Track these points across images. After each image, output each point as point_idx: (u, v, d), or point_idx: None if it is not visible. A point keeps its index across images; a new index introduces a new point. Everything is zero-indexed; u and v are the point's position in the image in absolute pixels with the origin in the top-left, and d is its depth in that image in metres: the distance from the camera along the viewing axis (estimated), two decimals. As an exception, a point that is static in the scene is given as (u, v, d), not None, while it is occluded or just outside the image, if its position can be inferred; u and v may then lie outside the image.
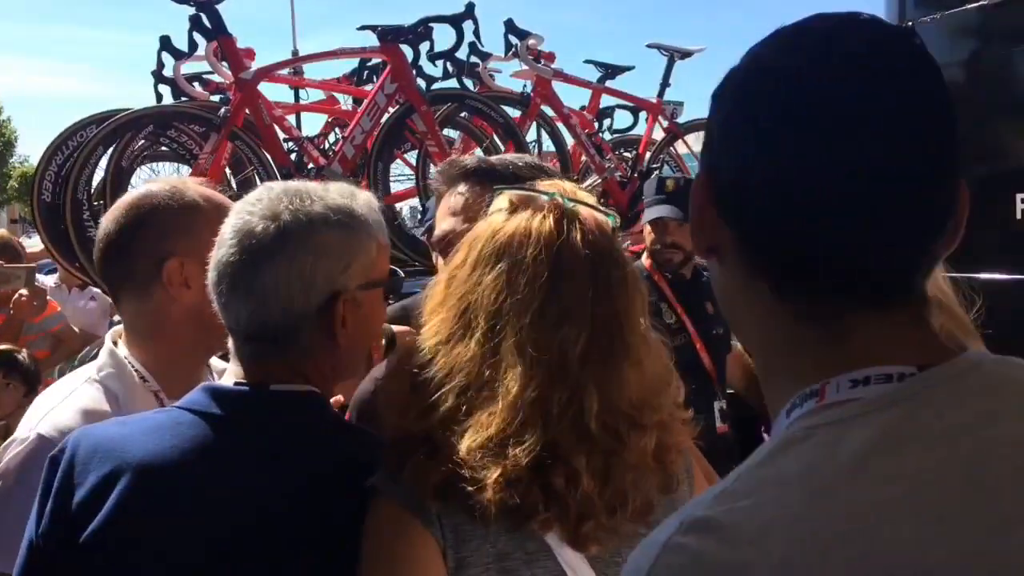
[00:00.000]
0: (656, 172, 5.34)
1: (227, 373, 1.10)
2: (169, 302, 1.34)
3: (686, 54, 5.61)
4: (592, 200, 1.07)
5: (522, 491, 0.91)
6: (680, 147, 5.79)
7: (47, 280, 4.12)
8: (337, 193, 1.09)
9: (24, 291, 3.34)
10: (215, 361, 1.50)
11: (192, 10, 4.15)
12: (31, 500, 1.16)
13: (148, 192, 1.38)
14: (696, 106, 5.82)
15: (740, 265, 0.65)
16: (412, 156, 5.08)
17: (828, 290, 0.62)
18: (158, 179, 1.45)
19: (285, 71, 4.82)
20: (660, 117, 5.56)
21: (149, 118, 4.08)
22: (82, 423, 1.27)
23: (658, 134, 5.64)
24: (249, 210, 1.06)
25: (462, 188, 1.52)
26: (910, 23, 3.17)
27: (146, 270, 1.34)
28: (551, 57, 5.36)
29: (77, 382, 1.39)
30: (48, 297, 3.75)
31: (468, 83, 5.04)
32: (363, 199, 1.11)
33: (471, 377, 0.95)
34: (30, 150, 31.80)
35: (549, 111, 5.21)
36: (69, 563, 1.01)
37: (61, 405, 1.34)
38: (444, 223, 1.51)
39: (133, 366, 1.38)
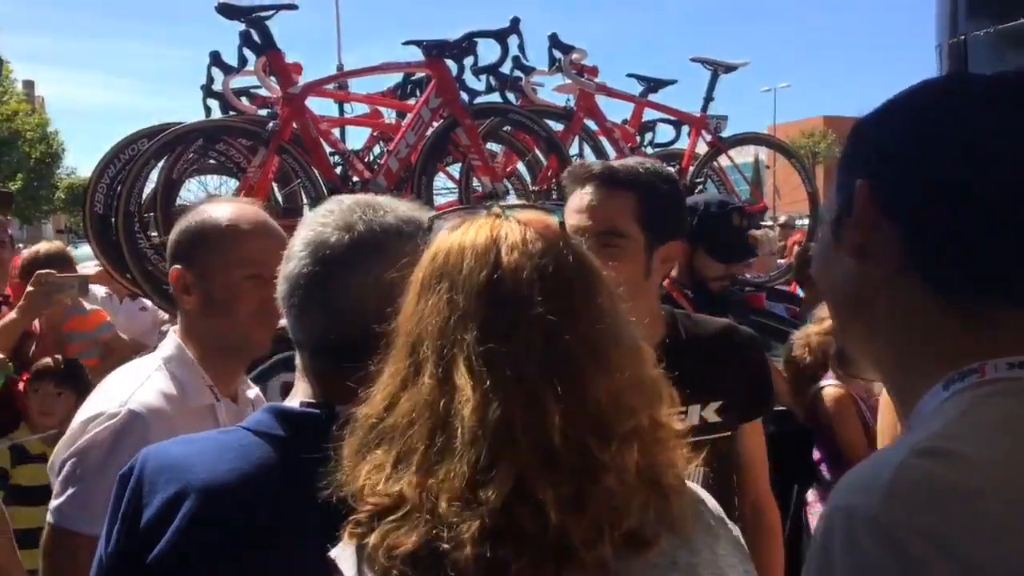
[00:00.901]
0: (700, 186, 5.32)
1: (294, 391, 1.10)
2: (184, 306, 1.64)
3: (730, 68, 5.59)
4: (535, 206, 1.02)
5: (494, 540, 0.83)
6: (723, 161, 5.75)
7: (98, 290, 4.19)
8: (407, 206, 1.10)
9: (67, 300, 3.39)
10: None
11: (242, 25, 4.22)
12: (120, 465, 1.29)
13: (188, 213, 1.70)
14: (738, 121, 5.79)
15: (894, 259, 0.77)
16: (454, 169, 5.10)
17: (991, 289, 0.74)
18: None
19: (330, 85, 4.88)
20: (704, 131, 5.53)
21: (199, 132, 4.15)
22: (162, 403, 1.55)
23: (701, 148, 5.61)
24: (322, 221, 1.07)
25: (588, 189, 1.75)
26: (962, 37, 3.13)
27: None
28: (594, 71, 5.36)
29: (150, 368, 1.63)
30: (99, 307, 3.83)
31: (511, 97, 5.06)
32: (431, 212, 1.11)
33: (434, 417, 0.87)
34: (77, 162, 32.56)
35: (592, 125, 5.21)
36: None
37: (143, 386, 1.57)
38: (571, 219, 1.73)
39: (191, 358, 1.63)
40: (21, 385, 3.31)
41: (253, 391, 1.86)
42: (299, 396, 1.08)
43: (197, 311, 1.65)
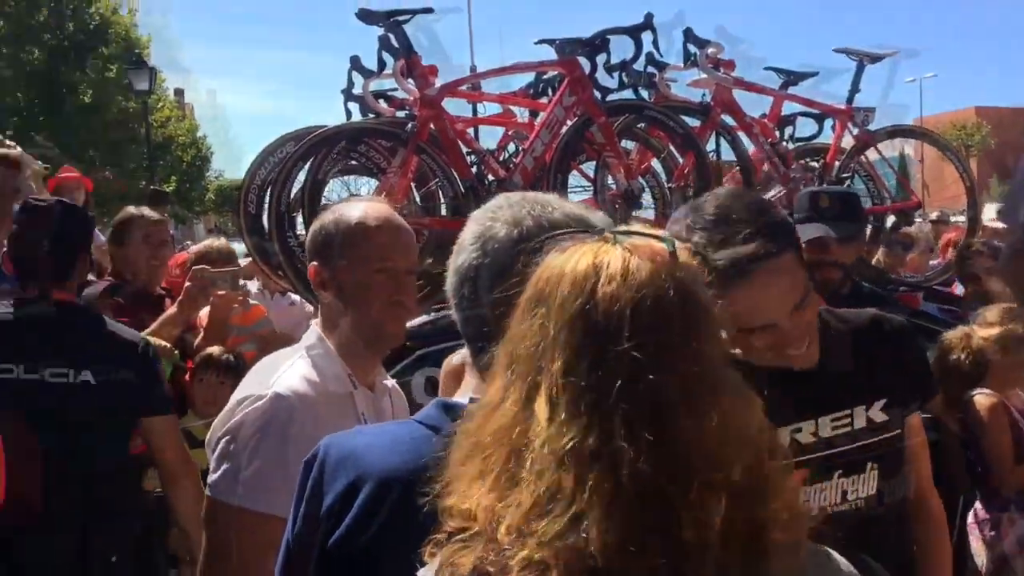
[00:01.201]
0: (847, 181, 5.11)
1: (464, 386, 1.12)
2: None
3: (876, 58, 5.33)
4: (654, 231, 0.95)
5: (539, 572, 0.80)
6: (871, 155, 5.50)
7: (251, 286, 4.42)
8: (575, 205, 1.11)
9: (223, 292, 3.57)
10: None
11: (381, 30, 4.35)
12: (272, 447, 1.59)
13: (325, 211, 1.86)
14: (881, 113, 5.52)
15: None
16: (589, 167, 5.09)
17: None
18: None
19: (465, 86, 4.96)
20: (850, 124, 5.30)
21: (342, 134, 4.31)
22: (305, 387, 1.67)
23: (847, 142, 5.38)
24: (491, 216, 1.09)
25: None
26: None
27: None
28: (731, 65, 5.23)
29: (294, 356, 1.76)
30: (256, 302, 4.03)
31: (644, 94, 5.01)
32: (600, 214, 1.12)
33: (512, 442, 0.87)
34: (223, 165, 34.30)
35: (729, 120, 5.09)
36: (318, 568, 1.05)
37: (288, 372, 1.70)
38: None
39: (331, 348, 1.76)
40: (187, 375, 3.53)
41: (390, 381, 1.97)
42: (468, 391, 1.10)
43: (334, 305, 1.76)
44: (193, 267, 3.65)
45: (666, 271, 0.88)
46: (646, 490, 0.81)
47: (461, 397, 1.11)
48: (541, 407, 0.85)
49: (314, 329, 1.82)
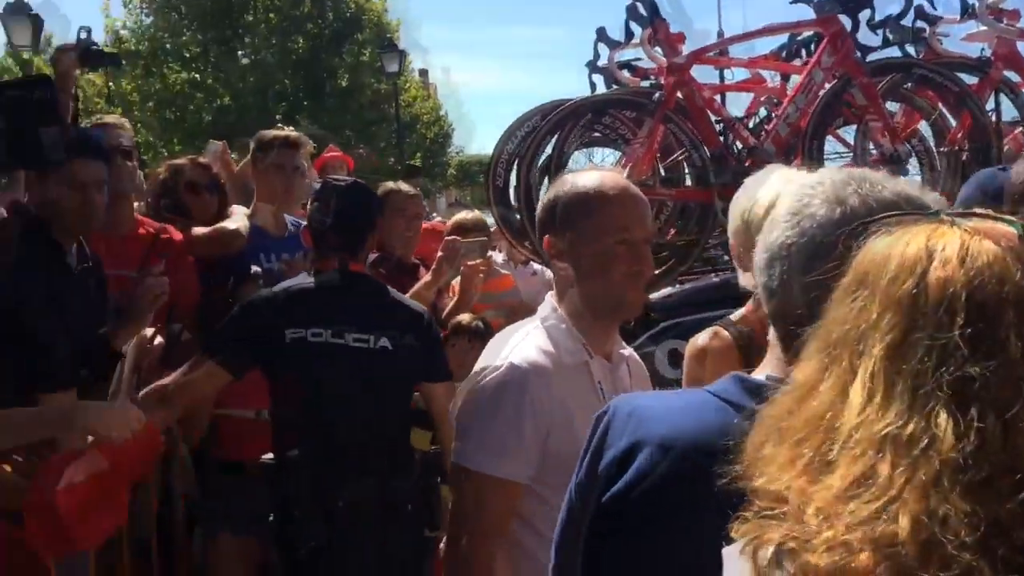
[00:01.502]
0: None
1: (764, 362, 1.08)
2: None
3: None
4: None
5: (844, 549, 0.76)
6: None
7: (497, 256, 4.57)
8: (906, 183, 1.02)
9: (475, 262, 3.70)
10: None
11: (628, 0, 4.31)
12: (507, 415, 1.66)
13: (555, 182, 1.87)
14: None
15: None
16: (846, 132, 4.77)
17: None
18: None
19: (712, 52, 4.80)
20: None
21: (588, 106, 4.32)
22: (540, 357, 1.72)
23: None
24: (809, 192, 1.03)
25: None
26: None
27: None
28: (1015, 15, 4.68)
29: (530, 327, 1.81)
30: (506, 272, 4.17)
31: (911, 51, 4.60)
32: (933, 195, 1.03)
33: (826, 426, 0.83)
34: (463, 141, 35.73)
35: (1013, 76, 4.56)
36: (593, 522, 1.07)
37: (523, 343, 1.75)
38: None
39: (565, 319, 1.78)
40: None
41: (627, 350, 1.96)
42: (767, 368, 1.07)
43: (570, 276, 1.78)
44: (445, 239, 3.81)
45: (1013, 256, 0.80)
46: (970, 483, 0.75)
47: (759, 374, 1.07)
48: (858, 392, 0.81)
49: (549, 300, 1.85)
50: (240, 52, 23.35)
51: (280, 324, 2.66)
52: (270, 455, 2.71)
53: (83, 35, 3.33)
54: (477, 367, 1.79)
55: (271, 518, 2.67)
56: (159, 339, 2.79)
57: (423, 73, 31.17)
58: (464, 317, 3.73)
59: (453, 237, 3.82)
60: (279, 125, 4.52)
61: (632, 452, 1.05)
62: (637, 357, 2.03)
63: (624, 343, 2.00)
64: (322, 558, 2.58)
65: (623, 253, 1.73)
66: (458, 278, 3.82)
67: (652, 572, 1.04)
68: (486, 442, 1.70)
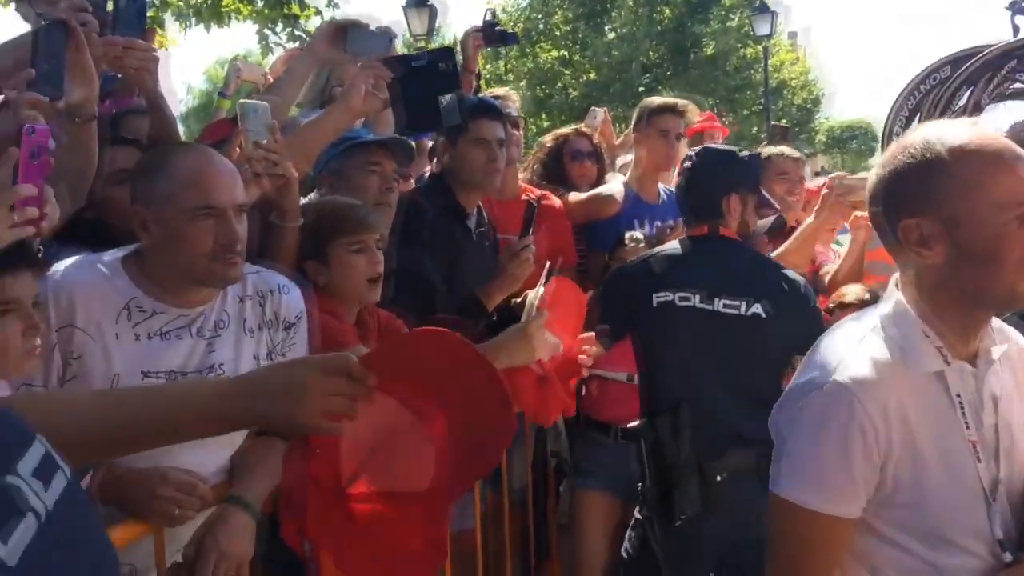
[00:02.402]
0: None
1: None
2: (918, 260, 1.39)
3: None
4: None
5: None
6: None
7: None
8: None
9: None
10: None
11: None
12: (832, 445, 1.37)
13: (901, 146, 1.41)
14: None
15: None
16: None
17: None
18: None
19: None
20: None
21: (1012, 54, 3.70)
22: (872, 372, 1.38)
23: None
24: None
25: None
26: None
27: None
28: None
29: (865, 329, 1.45)
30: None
31: None
32: None
33: None
34: (835, 107, 33.42)
35: None
36: None
37: (854, 353, 1.41)
38: None
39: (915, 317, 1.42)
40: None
41: (999, 348, 1.47)
42: None
43: (942, 261, 1.38)
44: (829, 176, 3.56)
45: None
46: None
47: None
48: None
49: (892, 290, 1.48)
50: (607, 27, 23.94)
51: (648, 288, 2.68)
52: (635, 422, 2.71)
53: (488, 16, 3.56)
54: (803, 378, 1.47)
55: (645, 483, 2.66)
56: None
57: (792, 35, 29.61)
58: (849, 292, 3.40)
59: (840, 173, 3.58)
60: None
61: None
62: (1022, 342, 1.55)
63: (998, 340, 1.49)
64: (696, 528, 2.55)
65: (1018, 233, 1.33)
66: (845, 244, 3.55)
67: None
68: (808, 473, 1.43)
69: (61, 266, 1.82)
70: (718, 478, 2.52)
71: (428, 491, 1.36)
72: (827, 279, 3.71)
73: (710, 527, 2.55)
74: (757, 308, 2.61)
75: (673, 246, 2.82)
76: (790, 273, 2.76)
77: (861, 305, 3.30)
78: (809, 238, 3.42)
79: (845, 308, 3.32)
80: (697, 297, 2.64)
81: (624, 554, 2.84)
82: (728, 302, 2.62)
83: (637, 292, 2.71)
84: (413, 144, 2.83)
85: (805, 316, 2.66)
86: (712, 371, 2.62)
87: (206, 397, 1.15)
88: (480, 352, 1.42)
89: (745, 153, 3.00)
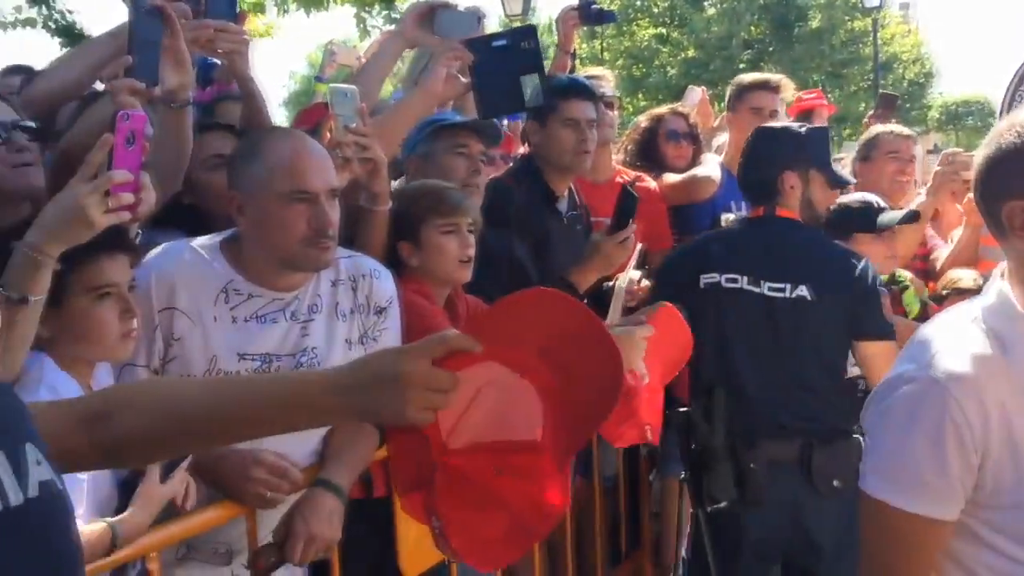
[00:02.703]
0: None
1: None
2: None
3: None
4: None
5: None
6: None
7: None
8: None
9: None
10: None
11: None
12: (924, 443, 1.29)
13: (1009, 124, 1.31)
14: None
15: None
16: None
17: None
18: None
19: None
20: None
21: None
22: (969, 368, 1.28)
23: None
24: None
25: None
26: None
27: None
28: None
29: (966, 320, 1.36)
30: None
31: None
32: None
33: None
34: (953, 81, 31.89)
35: None
36: None
37: (952, 346, 1.32)
38: None
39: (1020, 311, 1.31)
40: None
41: None
42: None
43: None
44: (944, 153, 3.44)
45: None
46: None
47: None
48: None
49: (996, 281, 1.38)
50: (707, 2, 23.36)
51: (697, 269, 2.64)
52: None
53: (586, -6, 3.47)
54: (896, 371, 1.38)
55: (687, 470, 2.64)
56: (644, 282, 2.85)
57: (903, 6, 28.30)
58: (965, 276, 3.21)
59: (954, 150, 3.40)
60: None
61: None
62: None
63: None
64: (733, 518, 2.50)
65: None
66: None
67: None
68: (894, 471, 1.35)
69: (161, 250, 1.87)
70: (752, 466, 2.45)
71: (541, 441, 1.32)
72: (938, 264, 3.52)
73: (754, 521, 2.49)
74: (802, 291, 2.52)
75: (731, 228, 2.78)
76: (849, 255, 2.61)
77: (979, 292, 3.11)
78: (968, 242, 3.31)
79: (962, 294, 3.14)
80: (745, 279, 2.57)
81: (685, 554, 2.82)
82: (773, 284, 2.55)
83: (687, 273, 2.68)
84: (502, 125, 2.79)
85: (860, 299, 2.52)
86: (752, 356, 2.55)
87: (317, 397, 1.15)
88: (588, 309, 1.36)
89: (803, 127, 2.84)
